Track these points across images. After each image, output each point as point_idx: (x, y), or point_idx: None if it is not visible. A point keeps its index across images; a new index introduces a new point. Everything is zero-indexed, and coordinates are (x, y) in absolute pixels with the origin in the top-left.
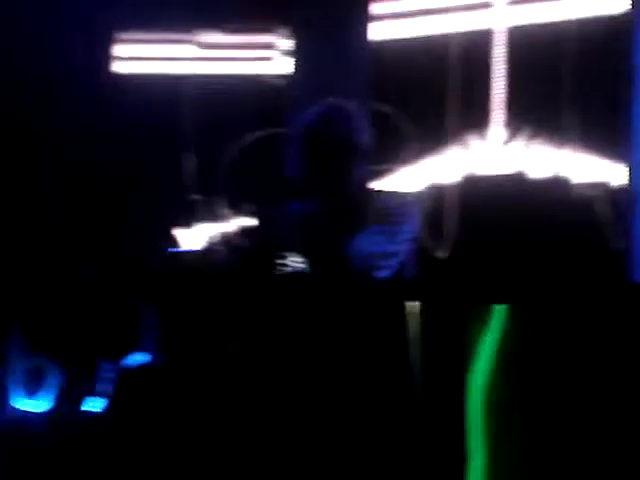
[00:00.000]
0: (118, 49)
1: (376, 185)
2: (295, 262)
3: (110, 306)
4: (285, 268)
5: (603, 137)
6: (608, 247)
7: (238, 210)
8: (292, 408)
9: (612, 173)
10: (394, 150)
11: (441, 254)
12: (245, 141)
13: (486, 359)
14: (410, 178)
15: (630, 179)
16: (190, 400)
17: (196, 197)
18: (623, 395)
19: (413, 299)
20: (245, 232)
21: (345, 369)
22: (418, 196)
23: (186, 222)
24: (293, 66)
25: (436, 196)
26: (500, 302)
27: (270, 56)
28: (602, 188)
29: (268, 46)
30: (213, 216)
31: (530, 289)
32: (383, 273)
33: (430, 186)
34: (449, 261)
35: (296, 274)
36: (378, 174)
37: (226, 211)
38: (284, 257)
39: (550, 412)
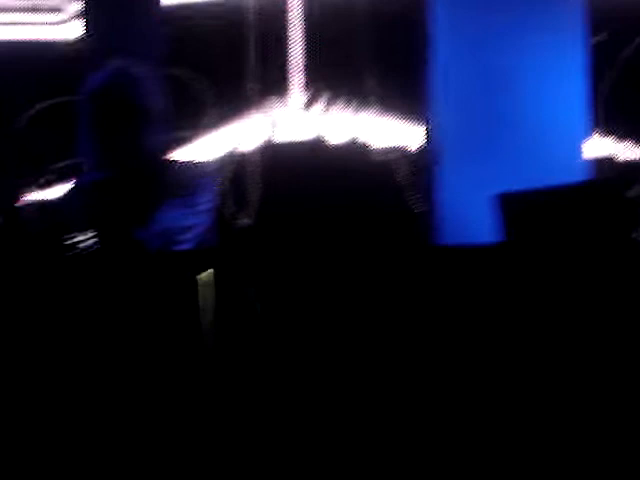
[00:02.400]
0: None
1: (172, 154)
2: (85, 240)
3: None
4: (75, 247)
5: (402, 100)
6: (409, 211)
7: (30, 182)
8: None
9: (411, 136)
10: (192, 117)
11: (243, 222)
12: (36, 109)
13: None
14: (209, 146)
15: (428, 142)
16: None
17: None
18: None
19: (210, 268)
20: (32, 207)
21: (140, 346)
22: (216, 165)
23: None
24: (84, 31)
25: (237, 163)
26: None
27: (59, 20)
28: (401, 151)
29: (56, 9)
30: (5, 186)
31: (333, 255)
32: (181, 247)
33: (230, 153)
34: (252, 229)
35: (86, 252)
36: (175, 142)
37: (18, 182)
38: (74, 235)
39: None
